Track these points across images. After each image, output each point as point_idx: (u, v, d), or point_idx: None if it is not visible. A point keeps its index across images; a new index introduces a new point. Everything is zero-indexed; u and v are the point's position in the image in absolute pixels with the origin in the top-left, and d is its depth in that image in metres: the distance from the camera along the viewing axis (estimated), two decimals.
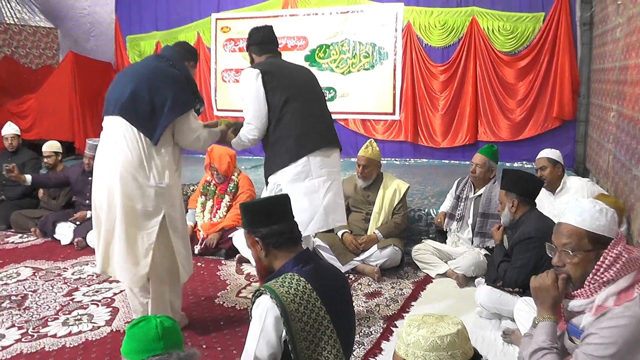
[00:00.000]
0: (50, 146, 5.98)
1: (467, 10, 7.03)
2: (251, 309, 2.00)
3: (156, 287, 3.16)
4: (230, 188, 4.98)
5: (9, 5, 9.66)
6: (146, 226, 3.05)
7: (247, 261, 4.55)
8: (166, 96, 3.01)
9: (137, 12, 9.18)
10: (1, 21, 9.27)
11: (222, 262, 4.76)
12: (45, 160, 5.98)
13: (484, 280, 3.80)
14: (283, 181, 3.18)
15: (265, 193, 3.32)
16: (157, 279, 3.14)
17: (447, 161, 7.37)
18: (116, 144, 3.01)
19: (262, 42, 3.38)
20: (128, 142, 2.98)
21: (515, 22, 6.82)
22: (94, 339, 3.35)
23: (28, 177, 5.53)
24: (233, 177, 5.02)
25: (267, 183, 3.32)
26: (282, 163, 3.18)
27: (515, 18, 6.81)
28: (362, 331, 3.36)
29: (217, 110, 8.55)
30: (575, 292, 1.96)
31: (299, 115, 3.17)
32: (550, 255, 2.06)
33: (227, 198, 4.97)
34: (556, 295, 1.98)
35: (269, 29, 3.43)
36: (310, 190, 3.17)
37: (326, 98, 7.43)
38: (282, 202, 2.19)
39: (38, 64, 9.42)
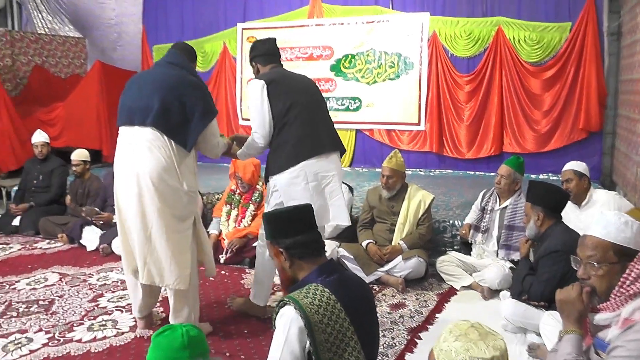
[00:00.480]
0: (79, 155, 6.07)
1: (493, 20, 6.99)
2: (274, 318, 2.00)
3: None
4: (255, 197, 5.00)
5: (40, 16, 9.90)
6: (182, 229, 3.20)
7: None
8: (195, 105, 3.13)
9: (164, 22, 9.30)
10: (33, 31, 9.49)
11: (246, 270, 4.77)
12: (73, 168, 6.07)
13: (509, 293, 3.76)
14: (280, 184, 3.38)
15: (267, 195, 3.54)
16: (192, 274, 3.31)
17: (472, 172, 7.31)
18: (145, 152, 3.08)
19: (267, 53, 3.55)
20: (161, 151, 3.08)
21: (541, 32, 6.76)
22: (118, 345, 3.39)
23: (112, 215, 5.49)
24: (257, 186, 5.04)
25: (266, 182, 3.54)
26: (280, 167, 3.36)
27: (542, 28, 6.76)
28: (386, 342, 3.34)
29: (242, 119, 8.56)
30: (601, 305, 1.94)
31: (300, 122, 3.35)
32: (575, 268, 2.04)
33: (251, 207, 4.99)
34: (582, 308, 1.96)
35: (272, 41, 3.60)
36: (304, 195, 3.30)
37: (351, 108, 7.58)
38: (305, 212, 2.19)
39: (67, 73, 9.58)
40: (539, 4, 6.86)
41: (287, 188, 3.35)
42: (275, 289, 4.29)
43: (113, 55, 9.99)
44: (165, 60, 3.34)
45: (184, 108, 3.11)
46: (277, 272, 2.23)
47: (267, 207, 3.50)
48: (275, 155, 3.40)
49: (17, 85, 8.82)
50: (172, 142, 3.10)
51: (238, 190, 5.09)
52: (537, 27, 6.78)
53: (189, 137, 3.14)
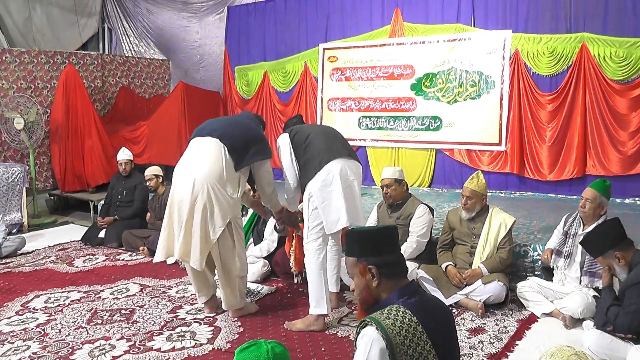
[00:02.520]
0: (151, 170, 6.38)
1: (577, 36, 6.70)
2: (355, 339, 1.96)
3: (225, 276, 3.99)
4: None
5: (128, 40, 10.47)
6: (220, 225, 3.87)
7: (349, 288, 4.53)
8: (254, 144, 4.02)
9: (246, 44, 9.48)
10: (121, 54, 10.02)
11: None
12: (147, 183, 6.36)
13: (592, 323, 3.57)
14: (314, 190, 3.85)
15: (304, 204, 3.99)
16: (227, 269, 3.98)
17: (553, 195, 6.96)
18: (205, 159, 3.90)
19: (296, 124, 4.37)
20: (217, 159, 3.88)
21: (628, 48, 6.40)
22: (196, 356, 3.47)
23: None
24: None
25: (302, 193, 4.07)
26: (309, 175, 3.90)
27: (629, 44, 6.40)
28: None
29: None
30: None
31: (318, 141, 3.98)
32: None
33: None
34: None
35: (299, 116, 4.60)
36: (337, 197, 3.81)
37: (432, 128, 7.55)
38: (391, 232, 2.16)
39: (151, 94, 10.03)
40: (626, 18, 6.49)
41: (321, 192, 3.83)
42: (353, 308, 4.27)
43: (196, 76, 10.38)
44: (243, 115, 4.57)
45: (246, 141, 3.99)
46: (355, 291, 2.18)
47: (305, 215, 3.97)
48: (304, 169, 3.98)
49: (105, 105, 9.32)
50: (228, 157, 3.90)
51: None
52: (624, 42, 6.43)
53: (243, 162, 3.96)
